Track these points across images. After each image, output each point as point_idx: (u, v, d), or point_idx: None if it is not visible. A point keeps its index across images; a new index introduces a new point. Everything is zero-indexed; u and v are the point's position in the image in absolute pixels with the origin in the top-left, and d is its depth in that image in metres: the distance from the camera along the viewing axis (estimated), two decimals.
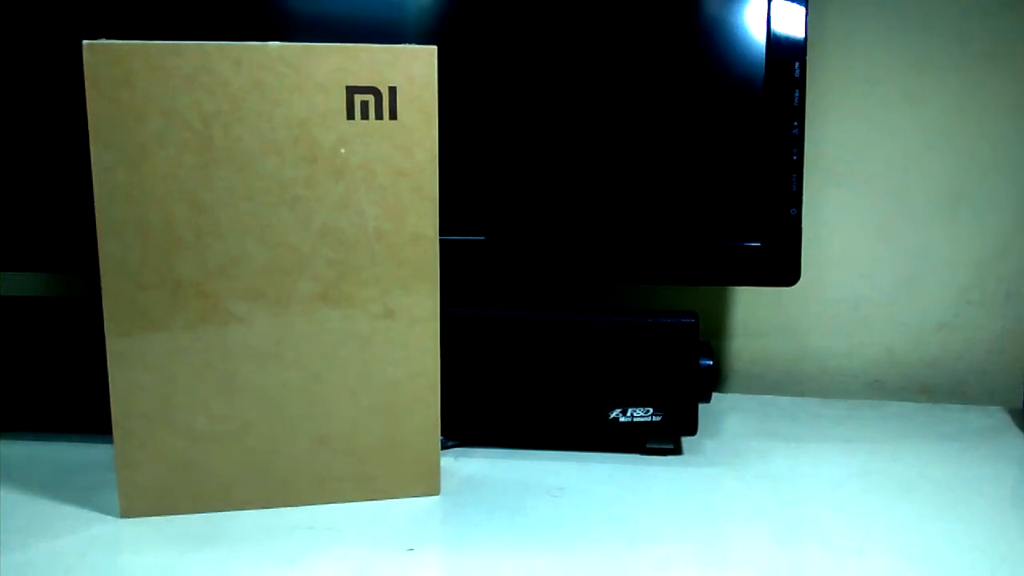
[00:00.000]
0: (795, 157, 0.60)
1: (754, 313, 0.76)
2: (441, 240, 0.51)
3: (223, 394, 0.50)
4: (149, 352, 0.49)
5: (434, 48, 0.49)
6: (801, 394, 0.76)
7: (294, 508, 0.51)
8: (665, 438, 0.60)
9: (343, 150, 0.49)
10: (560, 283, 0.69)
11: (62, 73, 0.61)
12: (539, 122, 0.61)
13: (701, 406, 0.60)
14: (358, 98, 0.49)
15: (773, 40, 0.59)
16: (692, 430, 0.59)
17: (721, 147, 0.60)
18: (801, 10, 0.59)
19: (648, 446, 0.60)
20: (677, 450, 0.61)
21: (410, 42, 0.49)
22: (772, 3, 0.59)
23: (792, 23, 0.59)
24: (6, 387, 0.62)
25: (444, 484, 0.54)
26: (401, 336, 0.51)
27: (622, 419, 0.59)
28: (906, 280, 0.75)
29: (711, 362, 0.60)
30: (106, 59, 0.46)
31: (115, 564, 0.46)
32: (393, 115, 0.49)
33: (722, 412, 0.70)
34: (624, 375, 0.59)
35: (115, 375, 0.49)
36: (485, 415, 0.60)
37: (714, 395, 0.64)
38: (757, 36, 0.59)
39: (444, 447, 0.59)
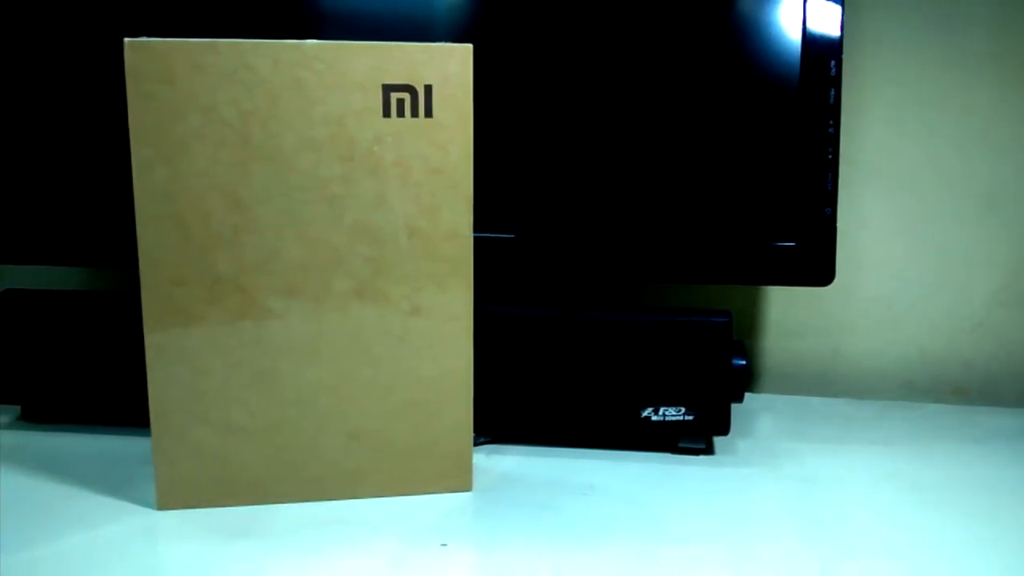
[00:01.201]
0: (830, 156, 0.59)
1: (787, 313, 0.76)
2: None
3: (259, 389, 0.50)
4: (186, 347, 0.49)
5: (470, 46, 0.49)
6: (834, 395, 0.76)
7: (327, 503, 0.52)
8: (697, 438, 0.60)
9: (376, 148, 0.49)
10: (591, 281, 0.69)
11: (104, 71, 0.62)
12: (572, 120, 0.61)
13: (733, 406, 0.59)
14: (394, 96, 0.49)
15: (809, 39, 0.59)
16: (724, 430, 0.59)
17: (756, 146, 0.60)
18: (837, 9, 0.59)
19: (680, 445, 0.60)
20: (709, 450, 0.61)
21: (440, 40, 0.49)
22: (808, 2, 0.59)
23: (828, 22, 0.59)
24: (47, 381, 0.63)
25: (476, 480, 0.54)
26: (435, 333, 0.51)
27: (654, 418, 0.59)
28: (939, 280, 0.74)
29: (744, 362, 0.59)
30: (146, 57, 0.47)
31: (152, 555, 0.46)
32: (429, 113, 0.49)
33: (754, 412, 0.69)
34: (656, 374, 0.59)
35: (153, 369, 0.49)
36: (517, 412, 0.60)
37: (746, 395, 0.64)
38: (793, 35, 0.59)
39: (476, 444, 0.59)
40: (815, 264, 0.60)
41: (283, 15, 0.61)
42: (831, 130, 0.59)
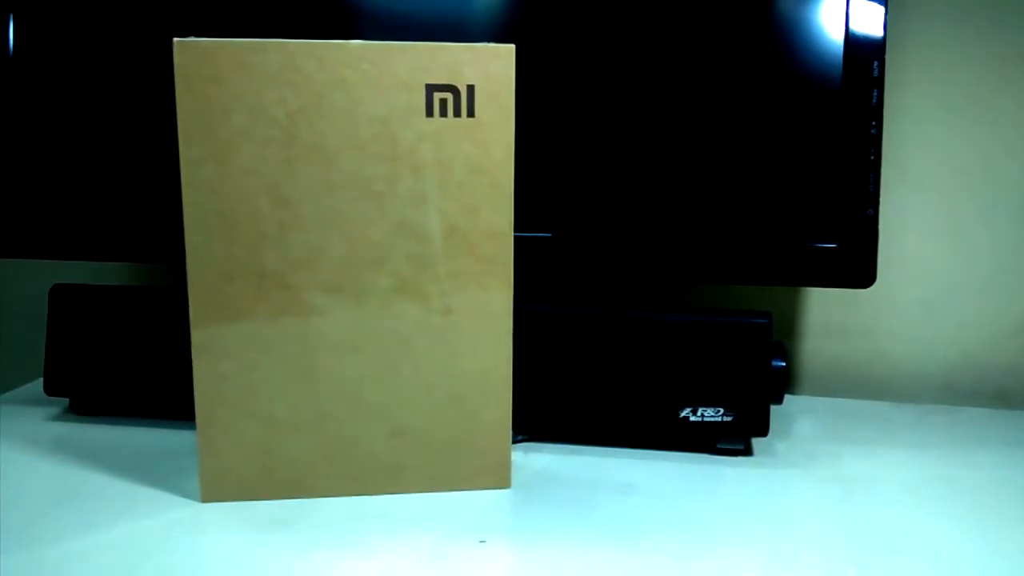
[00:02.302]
0: (872, 157, 0.59)
1: (827, 314, 0.75)
2: None
3: (302, 384, 0.51)
4: (232, 342, 0.50)
5: (512, 47, 0.49)
6: (874, 397, 0.75)
7: (368, 497, 0.52)
8: (736, 439, 0.60)
9: (419, 147, 0.49)
10: (630, 281, 0.69)
11: (153, 71, 0.63)
12: (612, 119, 0.61)
13: (772, 407, 0.59)
14: (437, 96, 0.49)
15: (851, 39, 0.59)
16: (763, 431, 0.59)
17: (798, 147, 0.59)
18: (880, 9, 0.58)
19: (718, 446, 0.60)
20: (748, 451, 0.61)
21: (478, 40, 0.49)
22: (851, 2, 0.58)
23: (871, 22, 0.58)
24: (95, 374, 0.64)
25: (514, 478, 0.55)
26: (474, 331, 0.52)
27: (692, 418, 0.59)
28: (982, 283, 0.73)
29: (784, 363, 0.59)
30: (195, 57, 0.48)
31: (196, 546, 0.47)
32: (471, 113, 0.50)
33: (793, 414, 0.69)
34: (695, 374, 0.59)
35: (199, 364, 0.50)
36: (555, 411, 0.60)
37: (785, 397, 0.63)
38: (835, 35, 0.59)
39: (514, 442, 0.60)
40: (856, 266, 0.60)
41: (324, 15, 0.62)
42: (873, 131, 0.59)
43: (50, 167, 0.64)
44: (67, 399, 0.67)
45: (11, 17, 0.63)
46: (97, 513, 0.50)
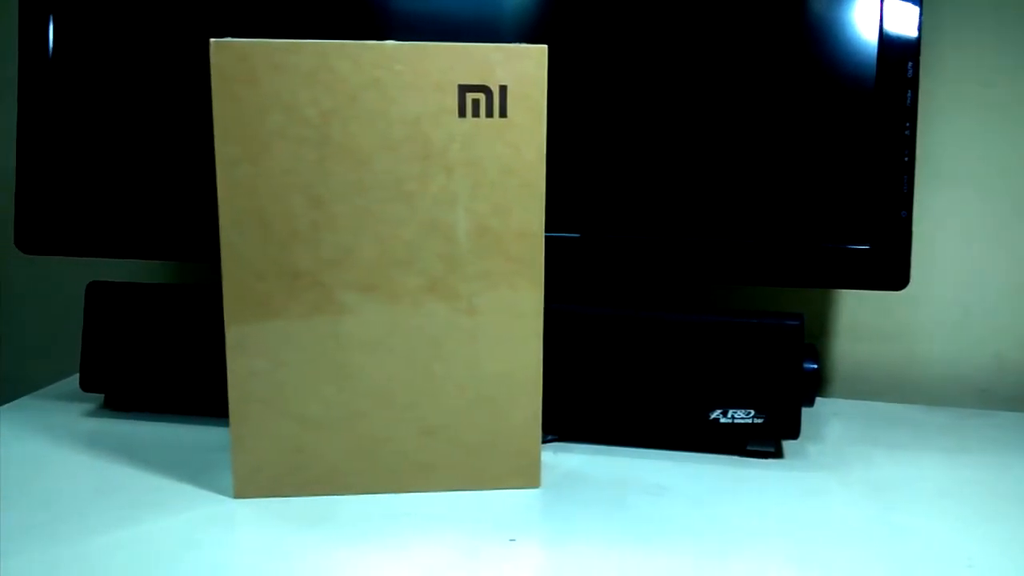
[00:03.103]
0: (906, 158, 0.58)
1: (859, 316, 0.75)
2: None
3: (334, 382, 0.51)
4: (265, 340, 0.51)
5: (545, 47, 0.50)
6: (906, 401, 0.74)
7: (399, 495, 0.53)
8: (766, 441, 0.60)
9: (451, 148, 0.50)
10: (660, 282, 0.69)
11: (190, 71, 0.63)
12: (642, 119, 0.61)
13: (803, 410, 0.59)
14: (469, 96, 0.50)
15: (885, 40, 0.58)
16: (794, 434, 0.58)
17: (831, 148, 0.59)
18: (915, 9, 0.58)
19: (749, 448, 0.60)
20: (778, 453, 0.60)
21: (507, 40, 0.50)
22: (885, 2, 0.58)
23: (905, 22, 0.58)
24: (130, 370, 0.65)
25: (544, 477, 0.55)
26: (506, 330, 0.52)
27: (723, 420, 0.59)
28: (1017, 286, 0.73)
29: (816, 365, 0.59)
30: (231, 57, 0.48)
31: (228, 541, 0.48)
32: (503, 113, 0.50)
33: (824, 416, 0.69)
34: (726, 376, 0.58)
35: (232, 361, 0.51)
36: (585, 411, 0.60)
37: (816, 399, 0.63)
38: (869, 36, 0.58)
39: (544, 441, 0.60)
40: (890, 268, 0.59)
41: (355, 15, 0.62)
42: (907, 132, 0.58)
43: (88, 166, 0.65)
44: (102, 395, 0.68)
45: (50, 18, 0.64)
46: (131, 508, 0.51)
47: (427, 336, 0.52)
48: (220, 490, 0.53)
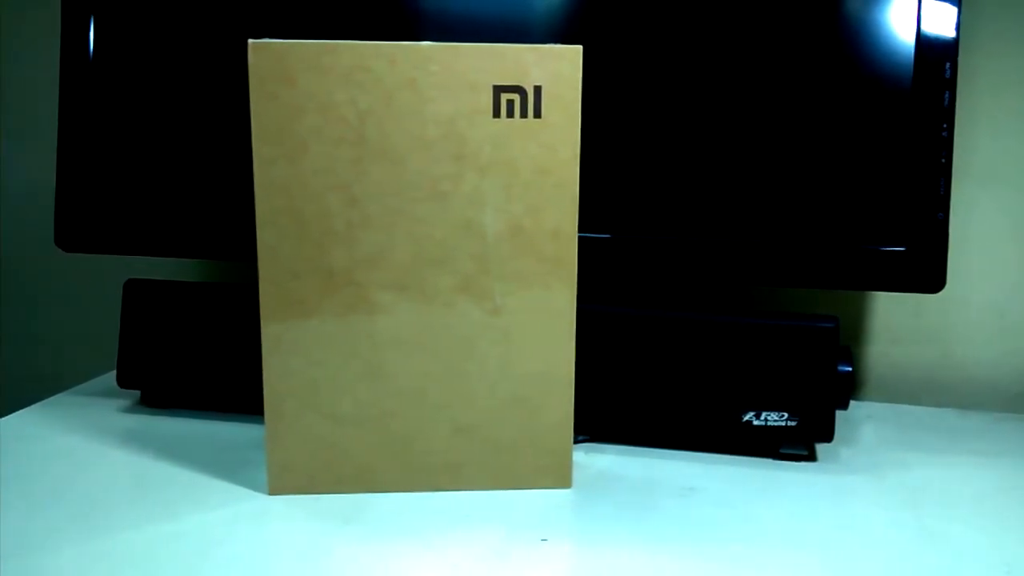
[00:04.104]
0: (943, 160, 0.58)
1: (894, 319, 0.74)
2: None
3: (368, 380, 0.52)
4: (301, 338, 0.51)
5: (579, 48, 0.50)
6: (941, 404, 0.74)
7: (432, 493, 0.53)
8: (799, 444, 0.59)
9: (485, 148, 0.50)
10: (693, 284, 0.69)
11: (228, 72, 0.64)
12: (678, 120, 0.61)
13: (837, 413, 0.59)
14: (504, 97, 0.50)
15: (923, 40, 0.58)
16: (828, 437, 0.58)
17: (867, 149, 0.59)
18: (953, 10, 0.57)
19: (781, 451, 0.59)
20: (811, 457, 0.60)
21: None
22: (923, 2, 0.57)
23: (943, 22, 0.57)
24: (167, 367, 0.66)
25: (575, 478, 0.55)
26: (538, 330, 0.52)
27: (755, 422, 0.58)
28: None
29: (850, 368, 0.59)
30: (269, 58, 0.49)
31: (263, 537, 0.48)
32: (537, 114, 0.50)
33: (858, 420, 0.68)
34: (759, 378, 0.58)
35: (268, 359, 0.51)
36: (617, 412, 0.60)
37: (850, 402, 0.62)
38: (906, 36, 0.58)
39: (575, 442, 0.60)
40: (926, 270, 0.59)
41: (389, 16, 0.63)
42: (944, 133, 0.58)
43: (126, 166, 0.66)
44: (139, 392, 0.69)
45: (91, 20, 0.65)
46: (167, 503, 0.51)
47: (460, 336, 0.52)
48: (255, 486, 0.54)
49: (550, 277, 0.52)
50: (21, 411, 0.66)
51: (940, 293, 0.59)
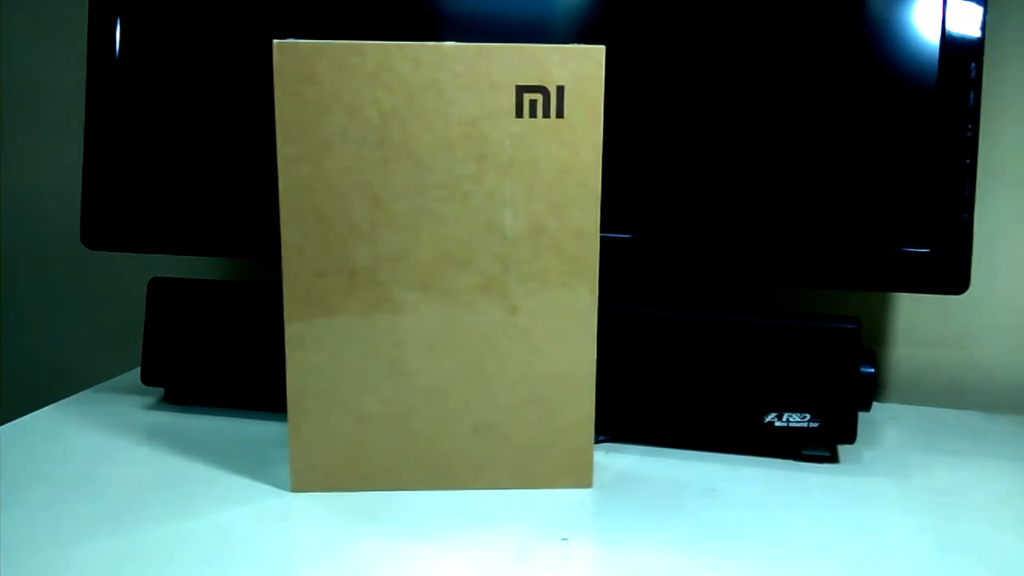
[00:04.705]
0: (968, 161, 0.58)
1: (918, 321, 0.74)
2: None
3: (391, 379, 0.52)
4: (324, 336, 0.51)
5: (602, 47, 0.50)
6: (964, 407, 0.73)
7: (453, 492, 0.53)
8: (821, 445, 0.59)
9: (508, 148, 0.50)
10: (715, 284, 0.69)
11: (253, 71, 0.65)
12: (699, 120, 0.60)
13: (860, 415, 0.58)
14: (527, 97, 0.50)
15: (948, 39, 0.57)
16: (850, 438, 0.58)
17: (891, 149, 0.58)
18: (979, 9, 0.57)
19: (803, 452, 0.59)
20: (834, 458, 0.60)
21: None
22: (948, 1, 0.57)
23: (968, 22, 0.57)
24: (190, 365, 0.66)
25: (596, 478, 0.55)
26: (560, 330, 0.52)
27: (777, 423, 0.58)
28: None
29: (873, 370, 0.58)
30: (294, 58, 0.49)
31: (285, 534, 0.48)
32: (560, 114, 0.50)
33: (881, 422, 0.68)
34: (782, 379, 0.58)
35: (291, 357, 0.52)
36: (638, 412, 0.60)
37: (873, 404, 0.62)
38: (931, 36, 0.57)
39: (596, 442, 0.60)
40: (950, 271, 0.58)
41: (410, 15, 0.63)
42: (969, 134, 0.57)
43: (152, 165, 0.66)
44: (162, 389, 0.69)
45: (117, 20, 0.66)
46: (190, 500, 0.52)
47: (481, 335, 0.52)
48: (277, 483, 0.54)
49: (572, 277, 0.52)
50: (47, 407, 0.67)
51: (964, 295, 0.59)
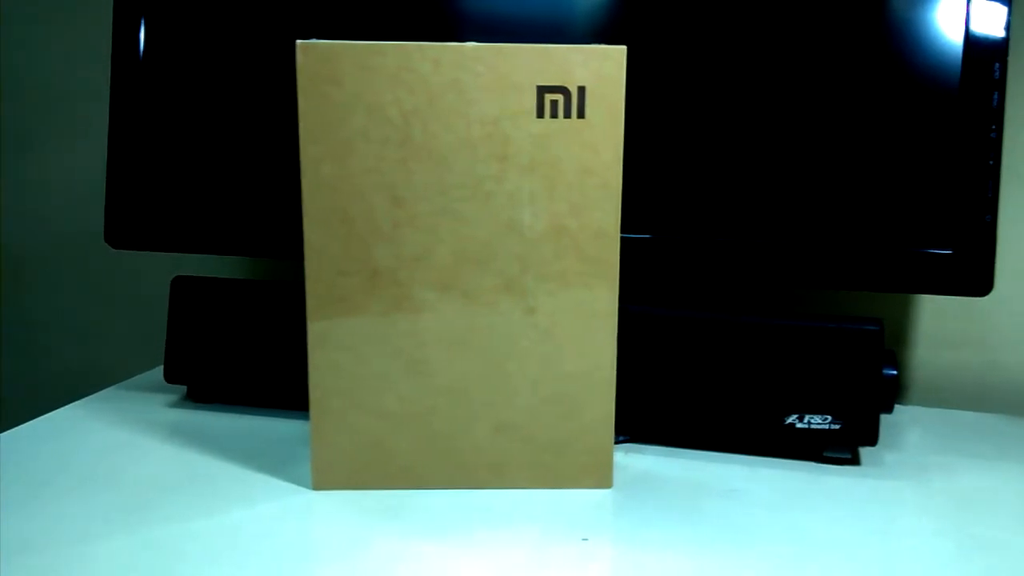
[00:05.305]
0: (991, 162, 0.57)
1: (940, 323, 0.73)
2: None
3: (412, 378, 0.52)
4: (346, 335, 0.52)
5: (624, 48, 0.50)
6: (987, 410, 0.73)
7: (473, 491, 0.53)
8: (843, 447, 0.59)
9: (529, 148, 0.50)
10: (736, 285, 0.69)
11: (276, 72, 0.65)
12: (718, 119, 0.60)
13: (881, 417, 0.58)
14: (548, 97, 0.50)
15: (971, 40, 0.57)
16: (872, 440, 0.57)
17: (914, 150, 0.58)
18: (1003, 9, 0.57)
19: (825, 454, 0.59)
20: (855, 460, 0.59)
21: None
22: (971, 1, 0.57)
23: (993, 22, 0.57)
24: (214, 363, 0.67)
25: (616, 478, 0.55)
26: (580, 330, 0.52)
27: (798, 425, 0.58)
28: None
29: (895, 372, 0.58)
30: (317, 58, 0.49)
31: (307, 532, 0.49)
32: (581, 114, 0.50)
33: (903, 424, 0.67)
34: (803, 381, 0.58)
35: (313, 355, 0.52)
36: (658, 413, 0.60)
37: (895, 406, 0.62)
38: (954, 36, 0.57)
39: (616, 442, 0.60)
40: (973, 273, 0.58)
41: (429, 16, 0.63)
42: (993, 135, 0.57)
43: (175, 165, 0.67)
44: (185, 387, 0.70)
45: (142, 21, 0.66)
46: (212, 497, 0.52)
47: (501, 335, 0.52)
48: (299, 481, 0.54)
49: (592, 277, 0.52)
50: (72, 404, 0.67)
51: (987, 297, 0.59)
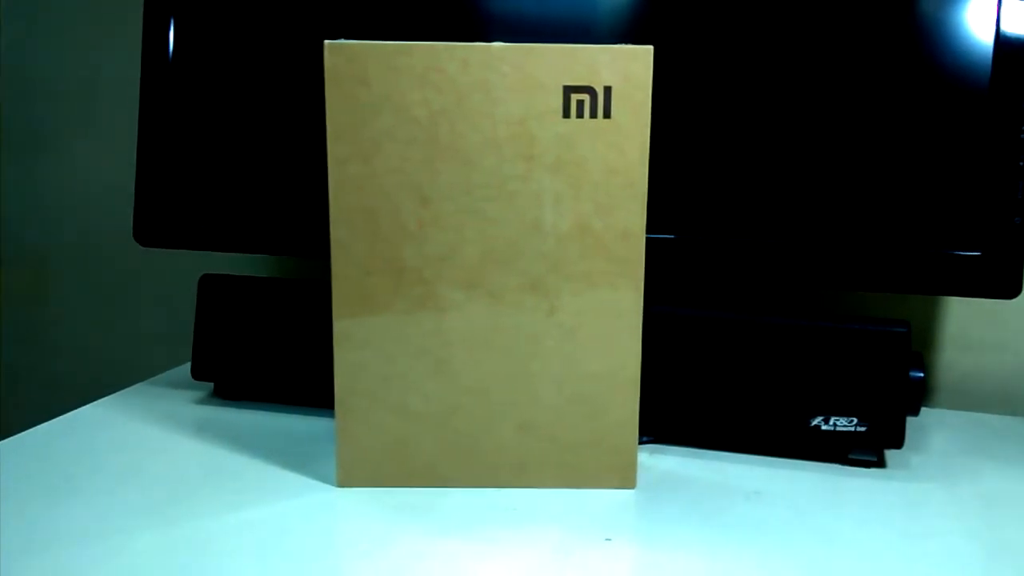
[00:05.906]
0: (1021, 163, 0.57)
1: (967, 325, 0.73)
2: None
3: (437, 377, 0.52)
4: (371, 334, 0.52)
5: (650, 48, 0.50)
6: (1014, 413, 0.72)
7: (497, 490, 0.54)
8: (868, 450, 0.59)
9: (555, 148, 0.50)
10: (761, 286, 0.68)
11: (304, 72, 0.65)
12: (746, 120, 0.60)
13: (907, 419, 0.58)
14: (574, 97, 0.50)
15: (1002, 39, 0.56)
16: (898, 443, 0.57)
17: (942, 150, 0.58)
18: None
19: (850, 457, 0.59)
20: (880, 463, 0.59)
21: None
22: (1003, 1, 0.56)
23: None
24: (240, 360, 0.67)
25: (640, 478, 0.55)
26: (605, 330, 0.52)
27: (824, 427, 0.58)
28: None
29: (922, 374, 0.58)
30: (345, 59, 0.50)
31: (331, 529, 0.49)
32: (607, 114, 0.50)
33: (929, 427, 0.67)
34: (829, 382, 0.57)
35: (339, 354, 0.52)
36: (683, 414, 0.60)
37: (921, 409, 0.61)
38: (985, 35, 0.57)
39: (640, 442, 0.60)
40: (1001, 275, 0.57)
41: (457, 16, 0.63)
42: (1023, 135, 0.57)
43: (204, 164, 0.67)
44: (212, 384, 0.71)
45: (171, 21, 0.67)
46: (238, 493, 0.53)
47: (526, 334, 0.52)
48: (323, 479, 0.55)
49: (617, 277, 0.52)
50: (101, 400, 0.68)
51: (1016, 299, 0.58)
